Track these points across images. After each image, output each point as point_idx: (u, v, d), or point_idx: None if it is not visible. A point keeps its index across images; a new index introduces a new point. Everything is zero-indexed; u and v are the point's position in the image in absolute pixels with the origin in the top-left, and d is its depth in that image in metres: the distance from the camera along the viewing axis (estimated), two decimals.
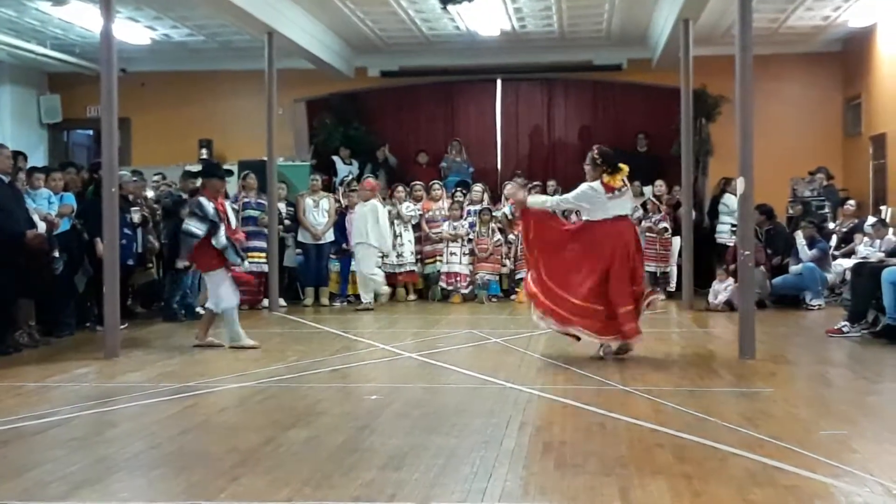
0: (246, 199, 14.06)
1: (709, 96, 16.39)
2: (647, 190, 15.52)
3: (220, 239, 9.69)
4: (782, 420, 6.30)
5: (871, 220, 13.52)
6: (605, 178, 8.87)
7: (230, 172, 11.03)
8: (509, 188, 9.73)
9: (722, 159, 16.16)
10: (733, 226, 13.88)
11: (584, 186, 8.98)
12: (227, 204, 10.46)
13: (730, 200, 14.99)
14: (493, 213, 15.02)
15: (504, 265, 14.96)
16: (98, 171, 11.51)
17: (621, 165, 8.98)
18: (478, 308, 13.91)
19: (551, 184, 15.63)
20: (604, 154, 9.04)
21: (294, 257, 14.74)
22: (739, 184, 8.96)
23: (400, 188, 15.39)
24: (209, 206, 9.74)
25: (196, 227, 9.66)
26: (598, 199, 8.86)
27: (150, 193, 14.02)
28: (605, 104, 18.59)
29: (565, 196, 9.35)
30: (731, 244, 14.59)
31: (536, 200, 9.41)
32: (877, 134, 15.66)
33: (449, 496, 4.67)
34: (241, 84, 17.68)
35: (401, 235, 14.92)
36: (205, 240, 9.68)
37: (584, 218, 9.14)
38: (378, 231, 13.61)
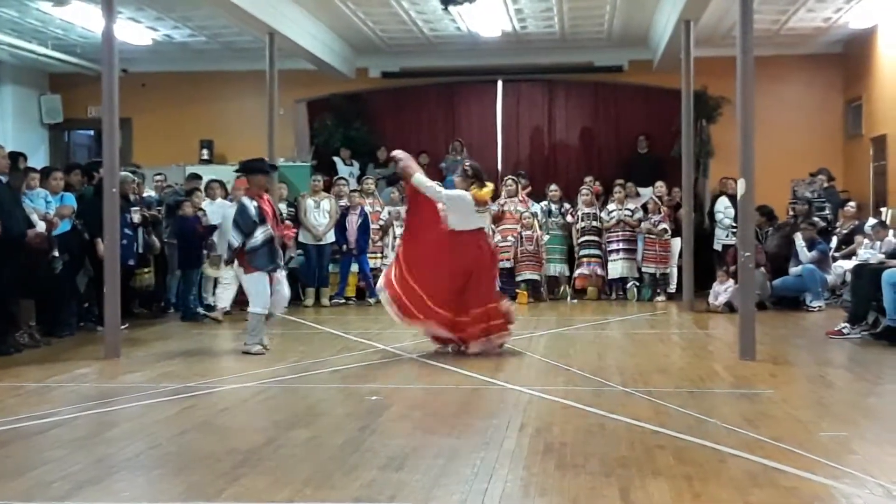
0: None
1: (710, 97, 16.39)
2: (647, 191, 15.53)
3: (255, 241, 9.40)
4: (782, 421, 6.30)
5: (871, 221, 13.52)
6: (474, 190, 9.28)
7: (275, 167, 10.67)
8: (400, 153, 9.69)
9: (723, 161, 16.17)
10: (733, 227, 13.90)
11: (459, 192, 9.34)
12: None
13: (721, 206, 15.01)
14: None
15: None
16: (95, 171, 11.54)
17: (488, 183, 9.54)
18: None
19: (553, 188, 15.61)
20: (475, 169, 9.57)
21: (295, 258, 14.74)
22: (740, 185, 8.96)
23: (395, 191, 15.38)
24: (251, 208, 9.44)
25: (234, 237, 9.44)
26: (466, 208, 9.27)
27: (151, 193, 14.06)
28: (605, 105, 18.57)
29: (441, 190, 9.50)
30: (722, 248, 14.68)
31: (421, 180, 9.47)
32: (877, 135, 15.66)
33: (449, 497, 4.66)
34: (242, 85, 17.69)
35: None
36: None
37: (449, 227, 9.35)
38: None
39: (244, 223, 9.39)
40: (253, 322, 9.58)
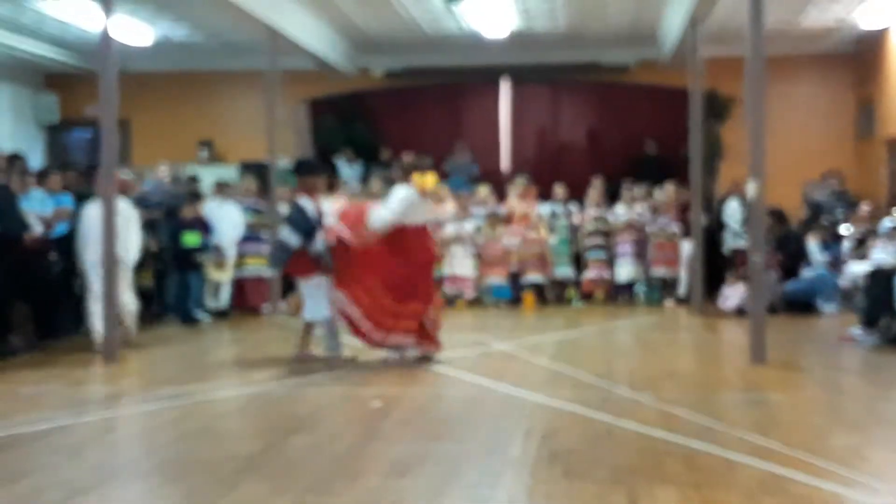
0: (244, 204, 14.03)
1: (719, 98, 16.29)
2: (657, 193, 15.40)
3: (317, 244, 8.90)
4: (793, 427, 6.23)
5: (887, 223, 13.31)
6: (416, 179, 9.05)
7: (328, 169, 10.21)
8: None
9: (732, 162, 16.05)
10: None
11: (402, 192, 9.00)
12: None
13: (730, 208, 14.91)
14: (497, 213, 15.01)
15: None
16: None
17: (431, 172, 9.29)
18: (484, 313, 13.79)
19: (558, 188, 15.51)
20: (407, 164, 9.38)
21: None
22: (751, 187, 8.85)
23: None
24: (311, 209, 8.97)
25: (289, 238, 8.97)
26: (415, 201, 8.99)
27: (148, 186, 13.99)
28: (612, 105, 18.45)
29: (391, 207, 8.96)
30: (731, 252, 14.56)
31: (375, 222, 8.92)
32: (891, 137, 15.55)
33: None
34: (243, 84, 17.69)
35: None
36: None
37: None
38: (130, 238, 10.48)
39: (305, 224, 8.95)
40: (327, 328, 9.17)
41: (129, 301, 10.36)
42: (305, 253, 8.96)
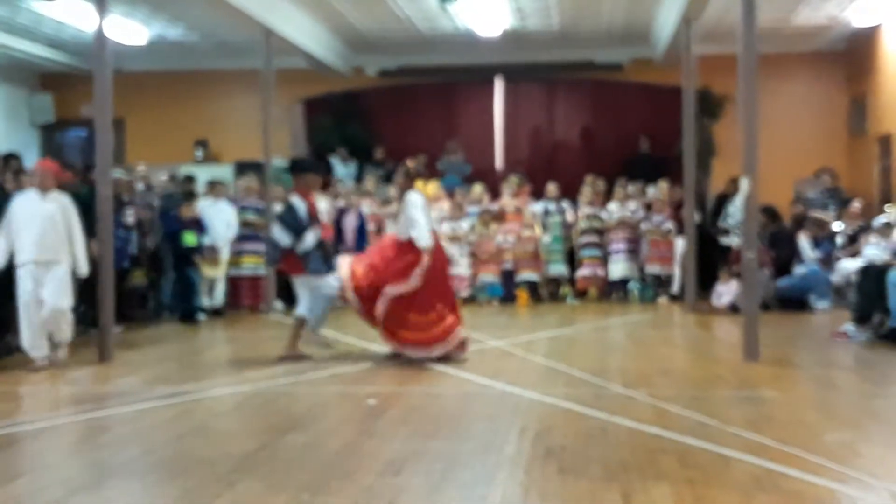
0: (244, 203, 14.01)
1: (712, 96, 16.30)
2: (651, 191, 15.43)
3: (305, 243, 8.94)
4: (787, 424, 6.22)
5: (882, 218, 13.32)
6: (419, 186, 9.16)
7: (327, 167, 9.92)
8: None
9: (726, 159, 16.08)
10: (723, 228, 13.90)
11: (415, 200, 8.99)
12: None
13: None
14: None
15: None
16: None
17: (429, 182, 9.27)
18: (478, 311, 13.79)
19: (551, 187, 15.50)
20: (416, 165, 9.36)
21: None
22: (744, 184, 8.86)
23: (392, 190, 15.27)
24: (301, 208, 9.00)
25: (280, 237, 9.01)
26: (425, 208, 9.05)
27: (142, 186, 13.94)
28: (605, 104, 18.44)
29: (417, 221, 8.92)
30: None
31: (422, 240, 8.88)
32: (883, 135, 15.56)
33: (448, 502, 4.62)
34: (238, 84, 17.64)
35: None
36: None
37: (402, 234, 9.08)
38: (77, 240, 9.25)
39: (295, 224, 8.98)
40: (312, 324, 9.35)
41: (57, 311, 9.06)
42: (294, 251, 9.03)
